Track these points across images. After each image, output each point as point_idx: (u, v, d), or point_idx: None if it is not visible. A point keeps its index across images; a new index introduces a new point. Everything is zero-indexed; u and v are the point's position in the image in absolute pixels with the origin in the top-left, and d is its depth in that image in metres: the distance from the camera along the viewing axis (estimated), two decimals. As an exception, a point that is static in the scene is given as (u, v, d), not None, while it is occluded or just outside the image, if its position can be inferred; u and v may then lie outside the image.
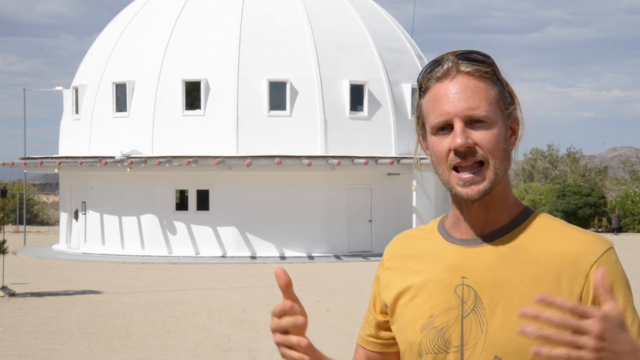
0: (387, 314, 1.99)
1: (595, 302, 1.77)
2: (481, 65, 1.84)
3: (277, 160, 26.93)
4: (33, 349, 11.66)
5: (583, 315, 1.49)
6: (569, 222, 1.95)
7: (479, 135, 1.80)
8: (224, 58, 28.62)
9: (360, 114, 29.33)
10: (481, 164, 1.81)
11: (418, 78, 1.91)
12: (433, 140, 1.85)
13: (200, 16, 29.69)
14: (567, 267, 1.81)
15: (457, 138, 1.79)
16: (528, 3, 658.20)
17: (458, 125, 1.80)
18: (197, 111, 28.46)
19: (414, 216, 28.02)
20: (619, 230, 42.89)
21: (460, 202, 1.89)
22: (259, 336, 12.62)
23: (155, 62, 29.00)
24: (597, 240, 1.83)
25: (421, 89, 1.89)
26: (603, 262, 1.80)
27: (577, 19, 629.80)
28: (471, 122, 1.81)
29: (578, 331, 1.49)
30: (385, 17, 32.97)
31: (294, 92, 28.61)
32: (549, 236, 1.85)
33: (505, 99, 1.87)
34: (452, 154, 1.81)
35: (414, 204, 28.30)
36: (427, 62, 1.95)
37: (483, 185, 1.81)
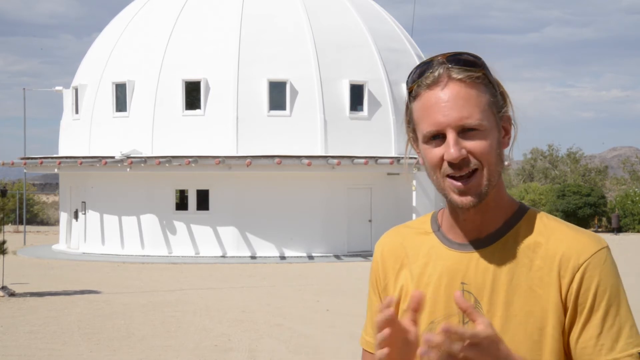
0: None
1: (577, 304, 1.78)
2: (472, 70, 1.80)
3: (277, 160, 26.92)
4: (33, 349, 11.65)
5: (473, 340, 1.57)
6: (569, 222, 1.94)
7: (473, 145, 1.78)
8: (224, 58, 28.61)
9: (360, 114, 29.33)
10: (474, 171, 1.79)
11: (407, 81, 1.86)
12: (425, 148, 1.82)
13: (200, 16, 29.68)
14: (561, 268, 1.80)
15: (450, 150, 1.76)
16: (528, 3, 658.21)
17: (451, 137, 1.77)
18: (197, 111, 28.45)
19: (414, 216, 27.98)
20: (618, 230, 42.87)
21: (455, 208, 1.86)
22: (259, 336, 12.62)
23: (155, 62, 28.99)
24: (589, 241, 1.82)
25: (411, 94, 1.85)
26: (592, 264, 1.79)
27: (577, 19, 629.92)
28: (464, 131, 1.78)
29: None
30: (385, 17, 32.96)
31: (294, 92, 28.60)
32: (543, 237, 1.84)
33: (497, 102, 1.83)
34: (445, 163, 1.78)
35: (414, 204, 28.30)
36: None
37: (478, 193, 1.79)
